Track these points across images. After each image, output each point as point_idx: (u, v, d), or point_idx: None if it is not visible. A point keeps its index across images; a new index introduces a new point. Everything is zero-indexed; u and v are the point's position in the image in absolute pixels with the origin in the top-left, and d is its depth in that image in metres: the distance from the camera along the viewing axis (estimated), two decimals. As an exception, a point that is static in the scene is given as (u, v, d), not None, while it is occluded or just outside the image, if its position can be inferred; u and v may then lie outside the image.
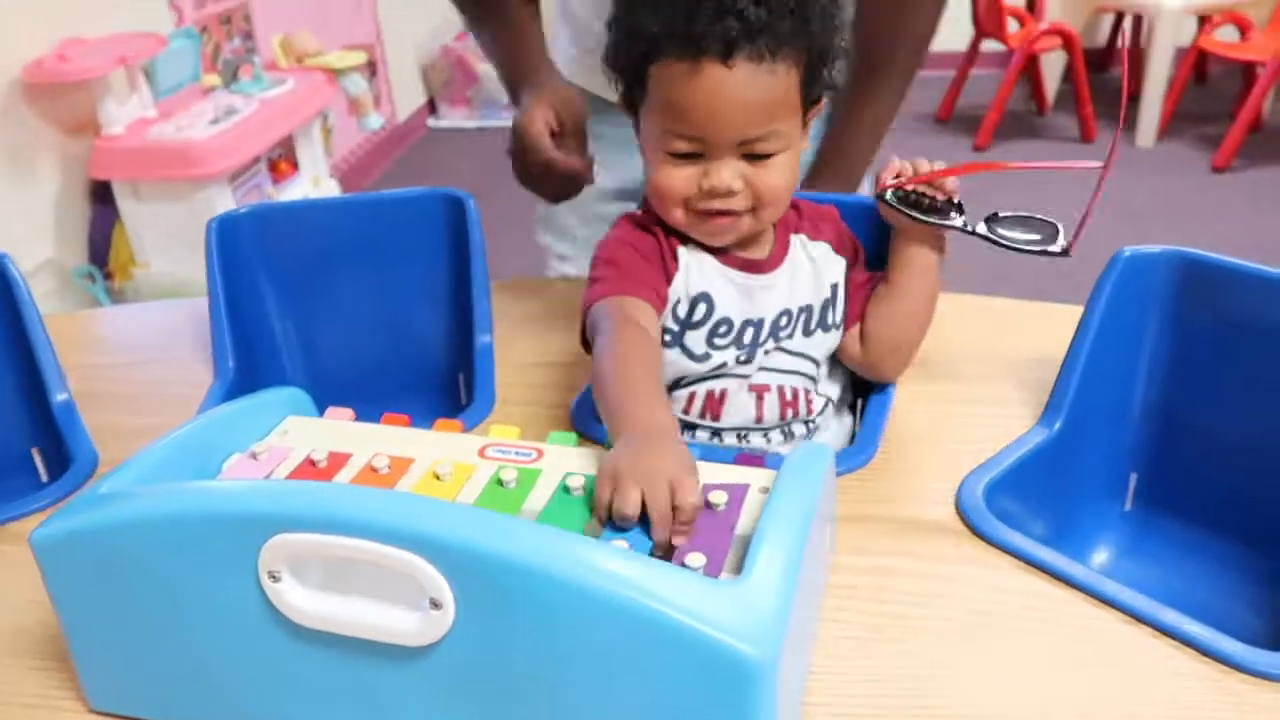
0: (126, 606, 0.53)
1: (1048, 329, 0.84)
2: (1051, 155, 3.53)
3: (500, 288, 1.01)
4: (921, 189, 0.77)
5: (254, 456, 0.64)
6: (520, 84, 0.98)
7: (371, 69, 3.49)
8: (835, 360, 0.83)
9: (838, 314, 0.80)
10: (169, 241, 2.24)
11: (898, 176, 0.77)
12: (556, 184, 0.95)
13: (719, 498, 0.56)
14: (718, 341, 0.76)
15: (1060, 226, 0.74)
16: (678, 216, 0.74)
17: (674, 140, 0.71)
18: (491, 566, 0.45)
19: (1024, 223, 0.76)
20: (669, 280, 0.76)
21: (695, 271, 0.76)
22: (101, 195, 2.30)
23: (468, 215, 0.96)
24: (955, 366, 0.83)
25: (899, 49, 0.94)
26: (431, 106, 4.14)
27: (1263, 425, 0.74)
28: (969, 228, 0.76)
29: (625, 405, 0.62)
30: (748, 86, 0.68)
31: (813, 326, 0.79)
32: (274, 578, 0.48)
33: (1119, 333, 0.75)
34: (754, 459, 0.62)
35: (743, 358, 0.77)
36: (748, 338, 0.77)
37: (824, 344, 0.80)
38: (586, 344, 0.74)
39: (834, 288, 0.80)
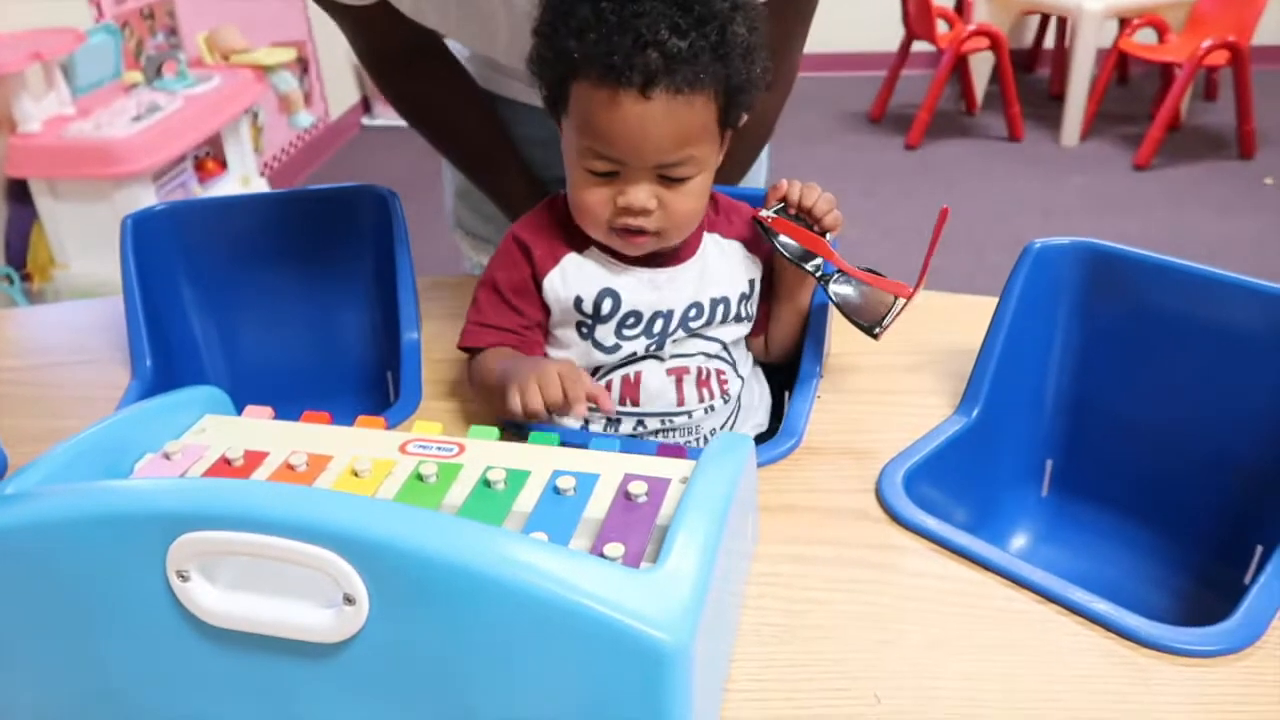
0: (30, 611, 0.51)
1: (965, 320, 0.85)
2: (980, 153, 3.61)
3: (427, 284, 1.00)
4: (802, 215, 0.79)
5: (167, 456, 0.62)
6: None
7: (303, 66, 3.44)
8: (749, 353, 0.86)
9: (752, 308, 0.83)
10: (90, 242, 2.18)
11: (780, 201, 0.79)
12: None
13: (639, 488, 0.56)
14: (626, 332, 0.79)
15: (893, 304, 0.76)
16: (596, 231, 0.76)
17: (592, 159, 0.72)
18: (406, 560, 0.44)
19: (864, 288, 0.77)
20: (540, 295, 0.80)
21: (594, 269, 0.78)
22: (19, 194, 2.23)
23: (393, 211, 0.95)
24: (876, 357, 0.85)
25: (783, 69, 0.96)
26: (365, 104, 4.09)
27: (1170, 412, 0.77)
28: (818, 274, 0.78)
29: (507, 365, 0.75)
30: (665, 117, 0.69)
31: (729, 318, 0.81)
32: (182, 577, 0.47)
33: (1032, 323, 0.77)
34: (676, 450, 0.63)
35: (653, 347, 0.79)
36: (657, 328, 0.79)
37: (734, 333, 0.82)
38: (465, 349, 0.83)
39: (751, 284, 0.82)
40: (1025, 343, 0.77)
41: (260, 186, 2.75)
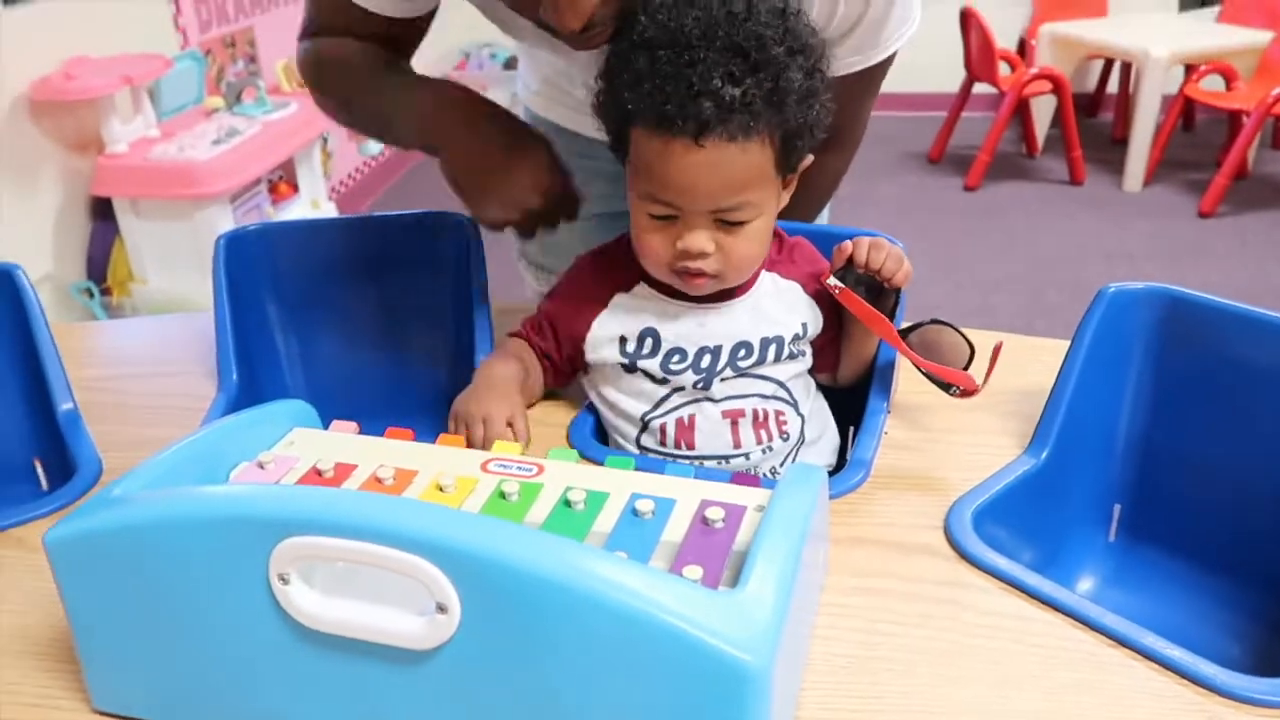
0: (136, 607, 0.54)
1: (1032, 363, 0.86)
2: (1041, 196, 3.59)
3: (499, 310, 1.02)
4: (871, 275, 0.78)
5: (261, 466, 0.65)
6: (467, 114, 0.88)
7: (372, 95, 3.53)
8: (811, 387, 0.85)
9: (806, 346, 0.83)
10: (168, 259, 2.26)
11: (846, 262, 0.78)
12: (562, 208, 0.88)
13: (716, 514, 0.57)
14: (673, 367, 0.80)
15: (969, 375, 0.76)
16: (658, 271, 0.78)
17: (650, 204, 0.74)
18: (497, 571, 0.46)
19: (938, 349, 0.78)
20: (587, 324, 0.82)
21: (636, 308, 0.81)
22: (102, 212, 2.32)
23: (469, 238, 0.98)
24: (943, 397, 0.85)
25: (854, 130, 0.98)
26: (430, 134, 4.18)
27: (1244, 459, 0.76)
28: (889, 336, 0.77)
29: (484, 372, 0.84)
30: (719, 164, 0.70)
31: (781, 358, 0.81)
32: (283, 580, 0.50)
33: (1104, 367, 0.77)
34: (750, 479, 0.64)
35: (701, 384, 0.79)
36: (705, 363, 0.79)
37: (790, 370, 0.82)
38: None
39: (804, 326, 0.82)
40: (1096, 386, 0.78)
41: (328, 209, 2.83)
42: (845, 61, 0.84)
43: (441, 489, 0.62)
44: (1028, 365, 0.88)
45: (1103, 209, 3.45)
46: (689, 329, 0.80)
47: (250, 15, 2.98)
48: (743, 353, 0.80)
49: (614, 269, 0.82)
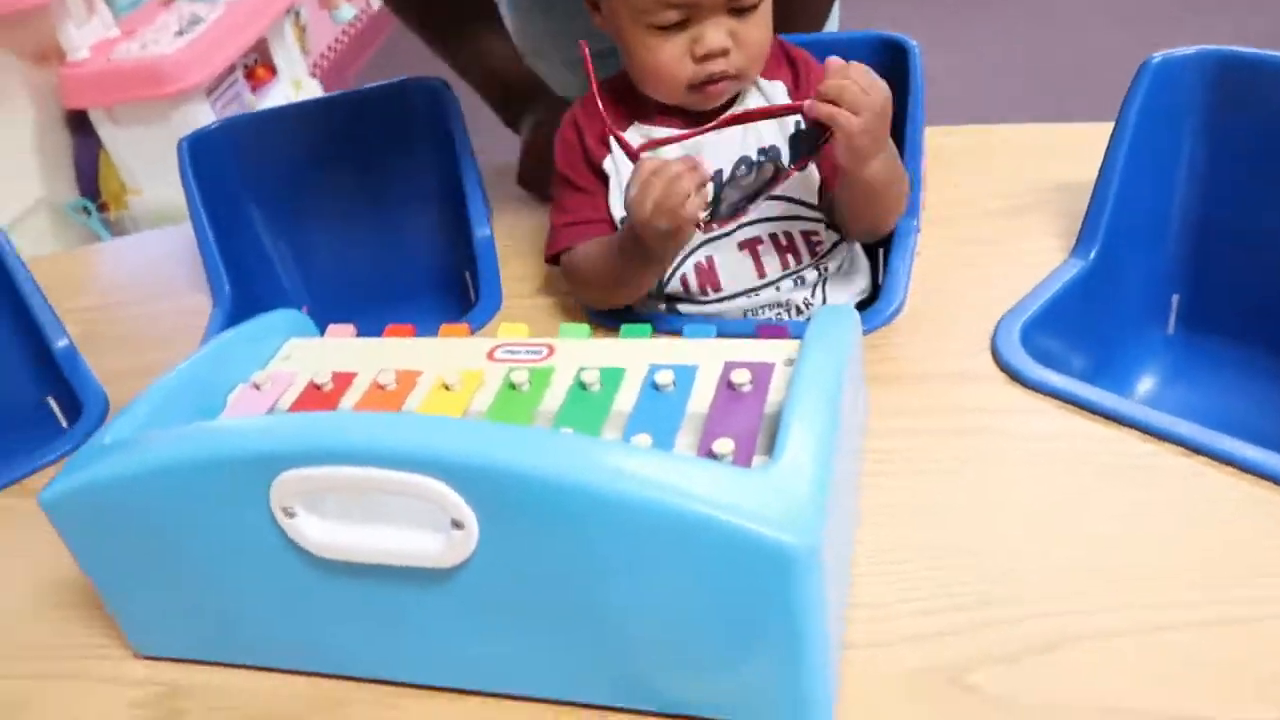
0: (146, 555, 0.51)
1: (1073, 152, 0.78)
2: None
3: (493, 171, 0.96)
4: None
5: (257, 387, 0.61)
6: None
7: (337, -44, 3.33)
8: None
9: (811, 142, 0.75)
10: (157, 165, 2.18)
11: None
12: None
13: (742, 377, 0.53)
14: None
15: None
16: (673, 94, 0.72)
17: (659, 11, 0.68)
18: (510, 482, 0.42)
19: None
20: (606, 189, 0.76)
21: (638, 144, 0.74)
22: (79, 124, 2.23)
23: (447, 103, 0.91)
24: (979, 203, 0.79)
25: None
26: (405, -11, 3.96)
27: (1312, 230, 0.70)
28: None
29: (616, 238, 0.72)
30: None
31: (788, 166, 0.73)
32: (288, 513, 0.47)
33: (1153, 147, 0.70)
34: (777, 330, 0.59)
35: (707, 216, 0.73)
36: (710, 193, 0.72)
37: (802, 183, 0.75)
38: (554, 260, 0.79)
39: (797, 122, 0.73)
40: (1146, 170, 0.70)
41: (312, 87, 2.71)
42: None
43: (447, 387, 0.57)
44: (1066, 156, 0.80)
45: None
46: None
47: (191, -113, 2.78)
48: (743, 169, 0.73)
49: (594, 131, 0.76)
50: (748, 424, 0.51)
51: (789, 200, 0.75)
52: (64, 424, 0.87)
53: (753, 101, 0.75)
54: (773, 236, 0.75)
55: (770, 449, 0.48)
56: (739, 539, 0.41)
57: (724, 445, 0.48)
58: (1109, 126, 0.72)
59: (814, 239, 0.76)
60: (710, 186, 0.68)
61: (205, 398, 0.61)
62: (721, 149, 0.73)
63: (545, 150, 0.81)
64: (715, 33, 0.68)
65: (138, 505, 0.50)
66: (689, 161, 0.66)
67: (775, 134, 0.74)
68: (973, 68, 2.71)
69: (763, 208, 0.74)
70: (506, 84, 1.00)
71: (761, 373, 0.54)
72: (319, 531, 0.47)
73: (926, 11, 3.16)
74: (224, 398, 0.62)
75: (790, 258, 0.75)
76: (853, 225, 0.75)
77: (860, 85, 0.64)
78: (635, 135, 0.75)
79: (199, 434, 0.49)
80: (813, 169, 0.74)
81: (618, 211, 0.76)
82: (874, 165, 0.68)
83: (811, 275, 0.76)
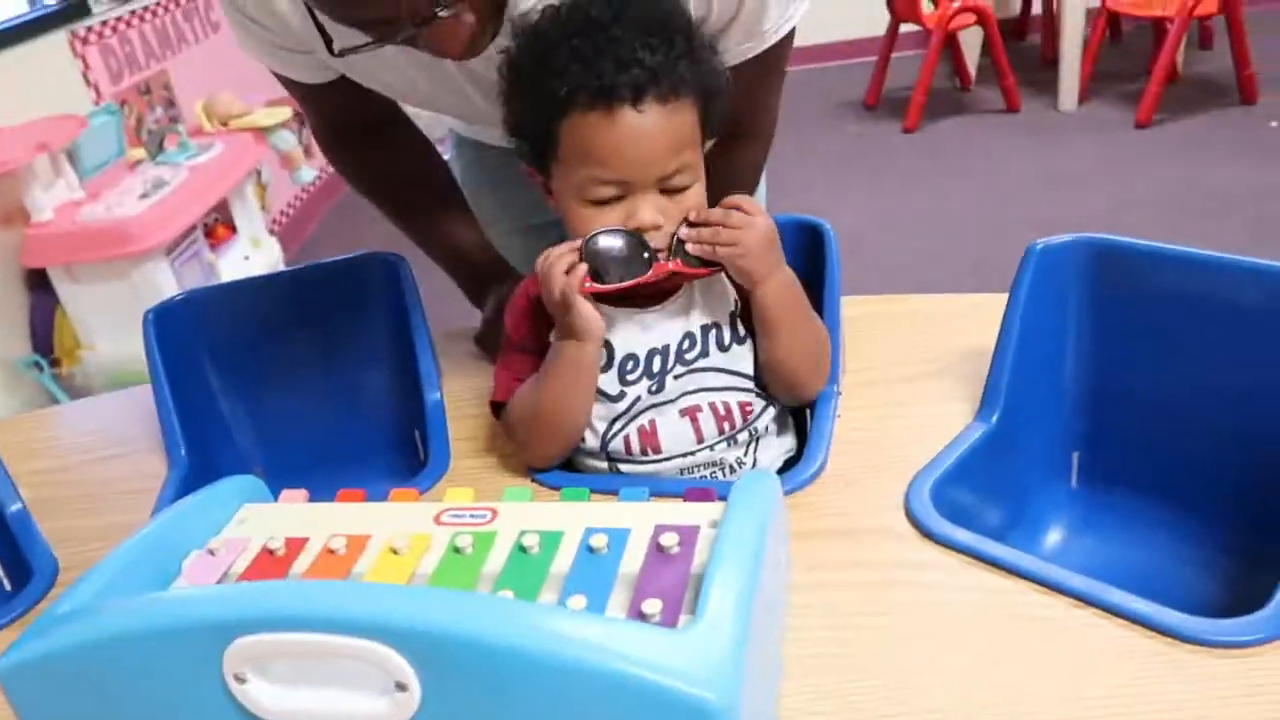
0: (98, 721, 0.53)
1: (972, 322, 0.86)
2: (979, 128, 3.60)
3: (443, 336, 1.01)
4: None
5: (211, 553, 0.64)
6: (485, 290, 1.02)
7: (300, 120, 3.48)
8: None
9: (743, 329, 0.82)
10: (112, 321, 2.22)
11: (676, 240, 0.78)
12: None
13: (670, 540, 0.57)
14: (629, 378, 0.80)
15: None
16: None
17: (596, 187, 0.75)
18: (452, 645, 0.46)
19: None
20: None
21: None
22: (38, 283, 2.27)
23: (402, 276, 0.97)
24: (888, 370, 0.86)
25: (761, 119, 0.98)
26: (365, 150, 4.12)
27: (1190, 392, 0.77)
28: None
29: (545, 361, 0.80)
30: (659, 126, 0.73)
31: (726, 341, 0.81)
32: (240, 680, 0.49)
33: (1042, 321, 0.78)
34: (704, 492, 0.64)
35: (654, 387, 0.80)
36: (656, 366, 0.80)
37: (743, 356, 0.82)
38: (495, 411, 0.86)
39: (737, 302, 0.82)
40: (1038, 341, 0.78)
41: (270, 245, 2.79)
42: (737, 50, 0.85)
43: (395, 551, 0.61)
44: (966, 325, 0.88)
45: (1042, 133, 3.46)
46: (634, 334, 0.80)
47: (162, 59, 2.93)
48: (687, 343, 0.80)
49: (535, 311, 0.83)
50: (675, 584, 0.55)
51: (728, 372, 0.81)
52: (8, 588, 0.88)
53: (697, 284, 0.81)
54: (711, 405, 0.81)
55: (695, 609, 0.52)
56: (663, 696, 0.44)
57: (652, 605, 0.52)
58: (1001, 297, 0.79)
59: (747, 408, 0.82)
60: (583, 262, 0.75)
61: (162, 564, 0.63)
62: (669, 325, 0.80)
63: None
64: (646, 208, 0.75)
65: (95, 674, 0.51)
66: (569, 245, 0.75)
67: (715, 309, 0.81)
68: (901, 223, 2.88)
69: (704, 379, 0.80)
70: (474, 268, 1.05)
71: (688, 535, 0.58)
72: (269, 697, 0.49)
73: (856, 168, 3.36)
74: (179, 563, 0.64)
75: (726, 425, 0.81)
76: (777, 386, 0.82)
77: (735, 223, 0.75)
78: None
79: (155, 604, 0.52)
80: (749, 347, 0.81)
81: None
82: (770, 288, 0.77)
83: (744, 436, 0.82)
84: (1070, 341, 0.79)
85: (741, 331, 0.82)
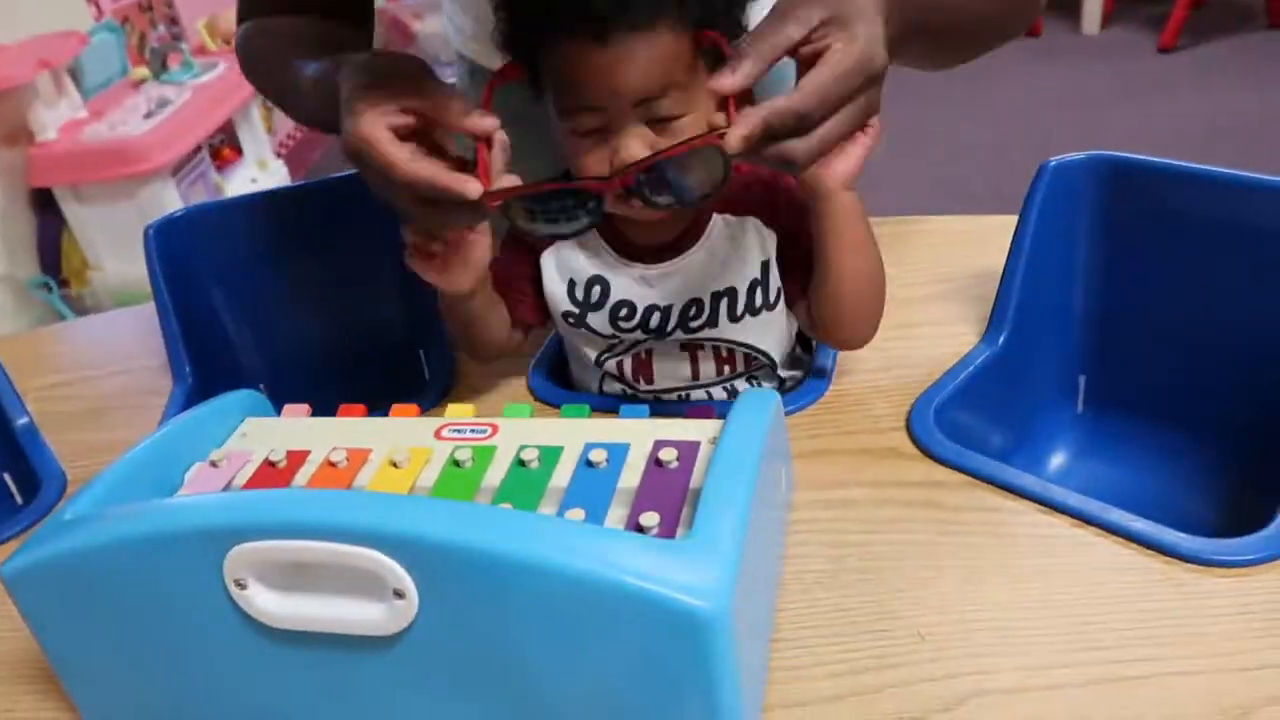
0: (103, 628, 0.54)
1: (983, 243, 0.85)
2: (999, 50, 3.49)
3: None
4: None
5: (214, 464, 0.64)
6: (330, 88, 0.67)
7: (305, 40, 3.42)
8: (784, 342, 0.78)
9: (770, 293, 0.73)
10: (119, 242, 2.22)
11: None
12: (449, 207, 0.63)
13: (669, 455, 0.57)
14: (622, 325, 0.75)
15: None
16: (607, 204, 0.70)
17: (575, 117, 0.67)
18: (449, 554, 0.46)
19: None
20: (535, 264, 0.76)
21: (584, 253, 0.76)
22: (44, 203, 2.26)
23: (406, 192, 0.95)
24: (896, 290, 0.84)
25: None
26: (371, 71, 4.06)
27: (1202, 315, 0.76)
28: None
29: None
30: (631, 57, 0.63)
31: (739, 312, 0.74)
32: (240, 585, 0.50)
33: (1053, 241, 0.76)
34: (704, 410, 0.64)
35: (652, 337, 0.75)
36: (654, 322, 0.74)
37: (757, 329, 0.75)
38: None
39: (764, 265, 0.73)
40: (1048, 261, 0.77)
41: (277, 168, 2.76)
42: None
43: (395, 465, 0.61)
44: (983, 246, 0.87)
45: (1062, 56, 3.38)
46: (634, 286, 0.75)
47: (163, -26, 2.87)
48: (693, 311, 0.74)
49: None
50: (673, 499, 0.55)
51: (737, 344, 0.75)
52: (19, 501, 0.89)
53: (717, 239, 0.73)
54: (715, 349, 0.77)
55: (693, 522, 0.52)
56: (656, 604, 0.44)
57: (650, 519, 0.52)
58: (1012, 219, 0.78)
59: (753, 361, 0.77)
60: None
61: (164, 474, 0.64)
62: (676, 286, 0.74)
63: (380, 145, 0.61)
64: (629, 141, 0.65)
65: (98, 579, 0.52)
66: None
67: (734, 274, 0.72)
68: (918, 147, 2.84)
69: (714, 332, 0.75)
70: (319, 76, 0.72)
71: (687, 450, 0.58)
72: (269, 602, 0.50)
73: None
74: (182, 475, 0.65)
75: (726, 368, 0.78)
76: (829, 323, 0.71)
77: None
78: (571, 250, 0.76)
79: (157, 510, 0.53)
80: (770, 316, 0.74)
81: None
82: (851, 193, 0.64)
83: (743, 386, 0.79)
84: (1081, 262, 0.78)
85: (759, 300, 0.74)
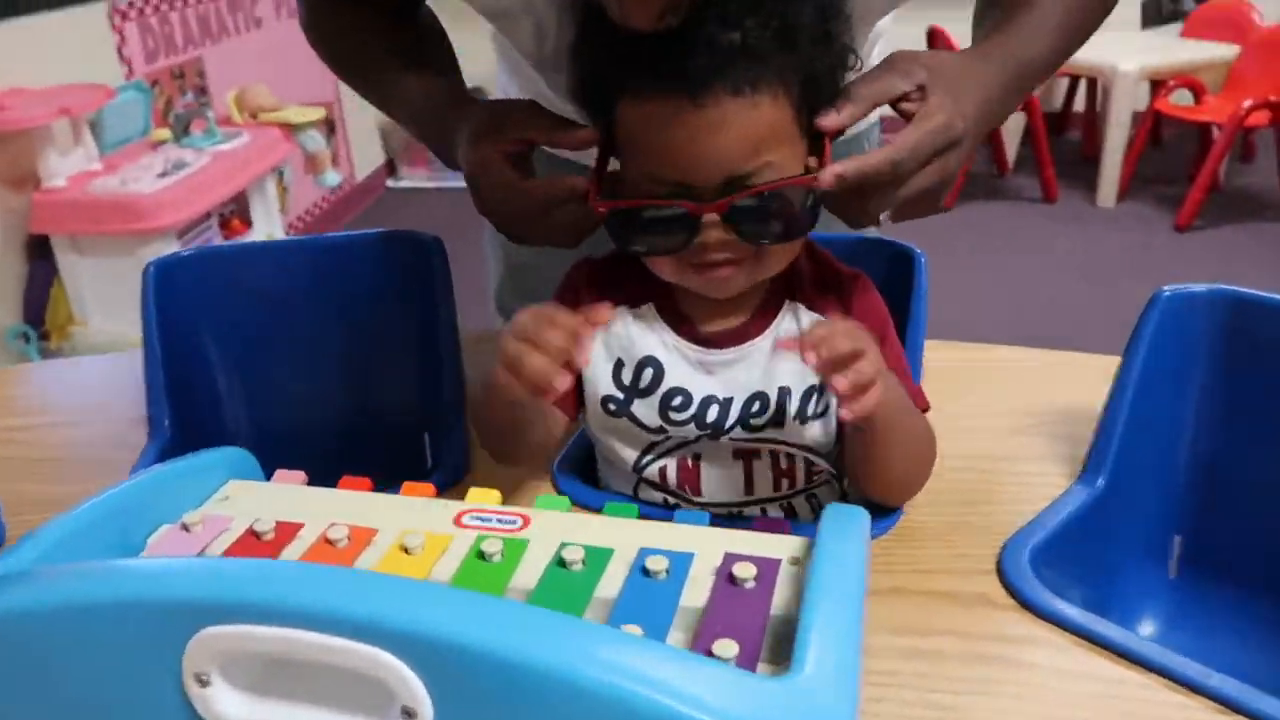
0: (28, 710, 0.42)
1: (1076, 381, 0.77)
2: (1014, 215, 3.54)
3: (470, 340, 0.92)
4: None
5: (185, 528, 0.54)
6: (448, 126, 0.73)
7: (330, 126, 3.43)
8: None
9: (826, 406, 0.66)
10: (111, 299, 2.13)
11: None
12: (558, 220, 0.67)
13: (746, 571, 0.47)
14: (673, 416, 0.66)
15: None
16: (667, 271, 0.64)
17: (651, 185, 0.61)
18: (480, 664, 0.35)
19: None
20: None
21: (639, 332, 0.67)
22: (40, 251, 2.18)
23: (434, 258, 0.87)
24: (977, 421, 0.76)
25: None
26: (390, 167, 4.08)
27: (1320, 480, 0.67)
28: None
29: None
30: (725, 124, 0.58)
31: (810, 414, 0.66)
32: (201, 682, 0.38)
33: (1163, 379, 0.68)
34: (777, 524, 0.54)
35: (707, 435, 0.66)
36: (711, 416, 0.65)
37: (824, 435, 0.67)
38: None
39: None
40: (1156, 402, 0.68)
41: (285, 245, 2.71)
42: None
43: (407, 550, 0.51)
44: (1069, 384, 0.79)
45: (1078, 225, 3.41)
46: (692, 373, 0.66)
47: (200, 45, 2.87)
48: (756, 406, 0.65)
49: (617, 283, 0.68)
50: (752, 626, 0.44)
51: (802, 447, 0.67)
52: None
53: (786, 332, 0.66)
54: (773, 454, 0.68)
55: (776, 658, 0.42)
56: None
57: (726, 647, 0.42)
58: (1108, 359, 0.70)
59: (815, 472, 0.69)
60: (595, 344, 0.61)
61: (123, 535, 0.53)
62: (738, 376, 0.66)
63: (497, 167, 0.67)
64: (713, 232, 0.60)
65: (24, 650, 0.41)
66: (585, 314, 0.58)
67: (795, 373, 0.65)
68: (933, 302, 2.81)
69: (777, 433, 0.66)
70: (431, 104, 0.78)
71: (767, 569, 0.48)
72: (236, 708, 0.39)
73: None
74: (145, 537, 0.54)
75: (785, 482, 0.68)
76: (875, 489, 0.66)
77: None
78: (623, 319, 0.68)
79: (108, 571, 0.42)
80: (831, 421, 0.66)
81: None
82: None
83: (802, 506, 0.69)
84: (1191, 407, 0.70)
85: (813, 410, 0.66)
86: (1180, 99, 3.47)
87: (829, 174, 0.58)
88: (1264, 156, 3.63)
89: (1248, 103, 3.07)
